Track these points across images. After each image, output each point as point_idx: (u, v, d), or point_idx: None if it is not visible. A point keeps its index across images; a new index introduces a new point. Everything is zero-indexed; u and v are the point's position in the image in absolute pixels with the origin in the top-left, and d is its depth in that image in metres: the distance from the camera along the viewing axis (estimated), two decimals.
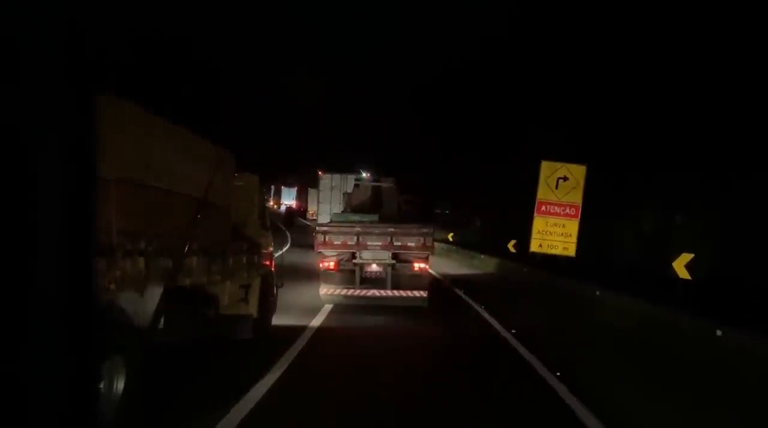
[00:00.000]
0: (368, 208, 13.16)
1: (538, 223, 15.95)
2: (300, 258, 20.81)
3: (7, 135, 1.00)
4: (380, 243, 11.60)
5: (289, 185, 59.09)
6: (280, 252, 20.37)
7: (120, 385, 4.53)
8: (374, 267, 11.81)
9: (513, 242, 20.27)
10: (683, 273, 11.19)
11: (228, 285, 7.00)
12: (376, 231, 11.72)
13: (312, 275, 14.97)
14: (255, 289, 7.75)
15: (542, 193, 15.85)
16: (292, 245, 27.23)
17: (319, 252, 11.84)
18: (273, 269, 9.14)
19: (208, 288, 6.38)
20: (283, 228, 34.01)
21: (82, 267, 1.08)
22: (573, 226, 15.81)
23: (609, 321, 10.74)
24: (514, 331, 10.04)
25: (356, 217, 12.39)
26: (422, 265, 11.80)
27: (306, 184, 51.60)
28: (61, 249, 1.05)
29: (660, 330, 9.17)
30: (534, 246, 16.10)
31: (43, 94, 1.04)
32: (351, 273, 11.71)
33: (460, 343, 9.61)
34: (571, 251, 15.81)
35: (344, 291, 11.66)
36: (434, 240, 12.37)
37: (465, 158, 34.82)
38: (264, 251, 8.65)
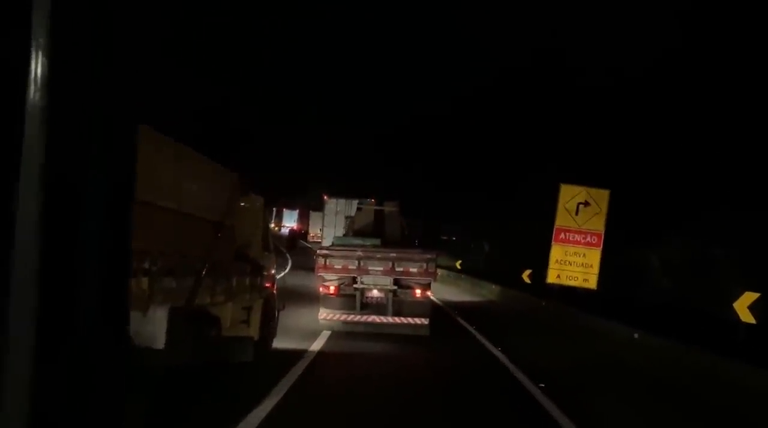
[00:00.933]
0: (371, 232, 13.09)
1: (556, 252, 14.73)
2: (300, 281, 20.74)
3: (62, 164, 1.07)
4: (382, 268, 11.42)
5: (291, 207, 59.08)
6: (282, 275, 20.32)
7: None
8: (375, 292, 11.61)
9: (528, 272, 18.56)
10: (746, 317, 9.58)
11: (230, 306, 6.98)
12: (378, 255, 11.60)
13: (312, 298, 14.90)
14: (257, 311, 7.72)
15: (561, 220, 14.61)
16: (292, 267, 27.15)
17: (320, 275, 11.72)
18: (275, 291, 9.11)
19: (211, 309, 6.35)
20: (284, 251, 33.98)
21: (120, 284, 1.18)
22: (595, 256, 14.53)
23: (656, 372, 9.19)
24: (542, 385, 8.32)
25: (358, 241, 12.34)
26: (425, 292, 11.66)
27: (307, 207, 51.58)
28: (102, 266, 1.13)
29: (734, 391, 7.41)
30: (551, 277, 14.84)
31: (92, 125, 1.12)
32: (351, 298, 11.51)
33: (471, 386, 8.57)
34: (592, 283, 14.57)
35: (344, 317, 11.48)
36: (440, 266, 12.41)
37: (474, 182, 34.59)
38: (266, 273, 8.63)
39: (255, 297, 7.79)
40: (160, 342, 5.03)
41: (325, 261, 11.49)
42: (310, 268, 21.72)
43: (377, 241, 12.41)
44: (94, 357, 1.11)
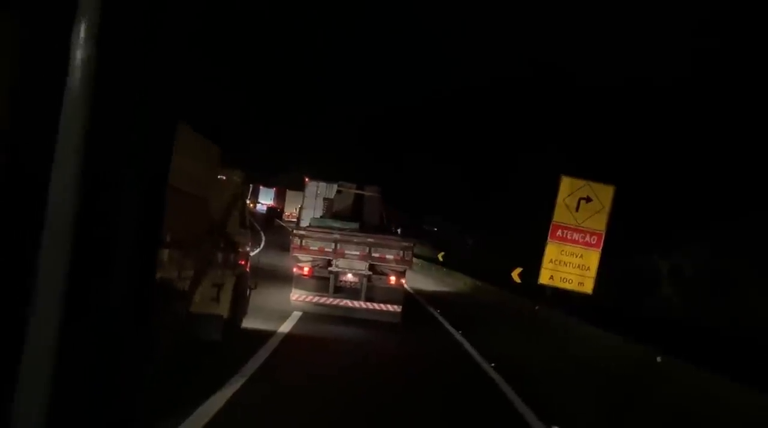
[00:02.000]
0: (349, 216, 12.83)
1: (551, 251, 13.41)
2: (274, 260, 20.44)
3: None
4: (358, 253, 11.36)
5: (268, 185, 58.53)
6: (255, 253, 19.98)
7: None
8: (350, 276, 11.50)
9: (518, 270, 16.63)
10: None
11: (200, 282, 6.68)
12: (355, 240, 11.48)
13: (285, 279, 14.65)
14: (228, 289, 7.43)
15: (559, 215, 13.31)
16: (266, 246, 26.81)
17: (295, 255, 11.55)
18: (248, 269, 8.82)
19: (178, 284, 6.05)
20: (258, 228, 33.54)
21: (150, 262, 1.26)
22: (593, 258, 13.23)
23: (683, 406, 6.95)
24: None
25: (336, 224, 12.10)
26: (399, 279, 11.57)
27: (284, 186, 51.10)
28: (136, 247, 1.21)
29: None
30: (544, 278, 13.50)
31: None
32: (325, 280, 11.39)
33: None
34: (588, 287, 13.28)
35: (316, 299, 11.35)
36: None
37: (460, 173, 33.81)
38: (241, 250, 8.34)
39: (227, 274, 7.50)
40: None
41: (301, 242, 11.35)
42: (284, 247, 21.48)
43: (355, 225, 12.20)
44: (119, 338, 1.17)
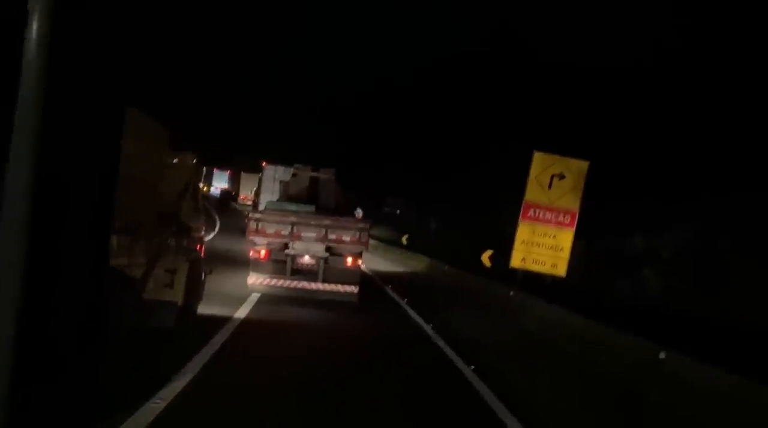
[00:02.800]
0: (305, 198, 12.76)
1: (523, 232, 12.72)
2: (229, 244, 20.18)
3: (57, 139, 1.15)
4: (314, 235, 11.39)
5: (222, 168, 57.51)
6: (209, 237, 19.70)
7: None
8: (306, 259, 11.53)
9: (488, 253, 15.59)
10: None
11: (153, 268, 6.51)
12: (312, 222, 11.51)
13: (240, 263, 14.48)
14: (182, 275, 7.25)
15: (531, 193, 12.64)
16: (221, 230, 26.42)
17: (251, 239, 11.49)
18: (203, 254, 8.64)
19: (129, 271, 5.87)
20: (212, 212, 32.88)
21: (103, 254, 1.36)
22: (566, 238, 12.64)
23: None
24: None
25: (292, 207, 12.03)
26: (356, 261, 11.67)
27: (239, 169, 50.31)
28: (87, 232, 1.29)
29: None
30: (515, 261, 12.85)
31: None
32: (282, 263, 11.42)
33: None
34: (561, 269, 12.72)
35: (273, 282, 11.37)
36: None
37: (423, 155, 33.02)
38: (194, 235, 8.15)
39: (180, 259, 7.32)
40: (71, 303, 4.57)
41: (257, 226, 11.30)
42: (239, 231, 21.19)
43: (311, 208, 12.15)
44: (74, 331, 1.27)
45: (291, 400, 5.80)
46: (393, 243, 28.60)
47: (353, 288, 11.61)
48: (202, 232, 8.93)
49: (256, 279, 11.40)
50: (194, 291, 7.90)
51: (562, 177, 12.57)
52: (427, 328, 10.54)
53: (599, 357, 8.42)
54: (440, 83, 30.89)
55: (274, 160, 21.77)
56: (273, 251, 11.43)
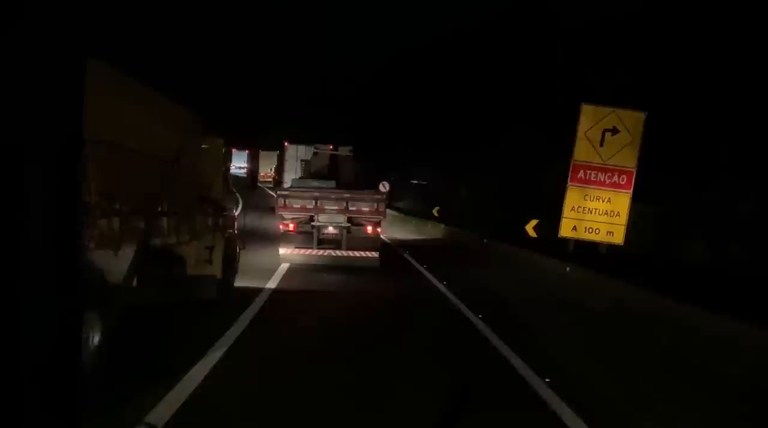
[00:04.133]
0: (326, 175, 13.76)
1: (573, 197, 11.40)
2: (252, 221, 20.80)
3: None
4: (336, 208, 12.38)
5: (239, 149, 58.10)
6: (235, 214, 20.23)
7: (96, 340, 4.67)
8: (330, 229, 12.58)
9: (534, 223, 14.16)
10: None
11: (194, 246, 7.13)
12: (333, 196, 12.49)
13: (265, 238, 15.19)
14: (219, 251, 7.89)
15: (580, 153, 11.24)
16: (244, 208, 27.02)
17: (280, 214, 12.52)
18: (236, 231, 9.26)
19: (176, 249, 6.50)
20: (234, 191, 33.43)
21: (69, 229, 1.09)
22: (623, 202, 11.29)
23: None
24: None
25: (315, 183, 13.10)
26: (375, 229, 12.72)
27: (257, 148, 50.77)
28: (50, 208, 1.05)
29: None
30: (565, 230, 11.52)
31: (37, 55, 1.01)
32: (309, 234, 12.48)
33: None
34: (619, 237, 11.36)
35: (302, 252, 12.45)
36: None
37: (449, 118, 31.13)
38: (228, 213, 8.76)
39: (217, 237, 7.94)
40: (132, 281, 5.19)
41: (285, 202, 12.38)
42: (261, 208, 21.80)
43: (332, 183, 13.13)
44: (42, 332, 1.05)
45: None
46: (423, 215, 27.29)
47: (375, 254, 12.60)
48: (234, 211, 9.53)
49: (286, 250, 12.46)
50: (230, 265, 8.54)
51: (615, 131, 11.14)
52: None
53: None
54: (461, 53, 30.30)
55: (294, 139, 22.31)
56: (300, 224, 12.49)
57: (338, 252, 12.50)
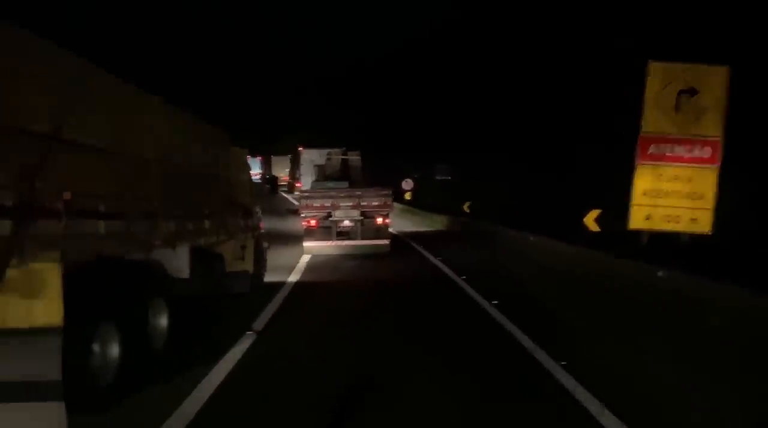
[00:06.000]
0: (339, 177, 16.14)
1: (644, 178, 9.49)
2: (269, 223, 21.93)
3: None
4: (350, 204, 14.59)
5: (253, 156, 59.59)
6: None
7: (163, 322, 5.75)
8: (346, 222, 14.68)
9: (595, 214, 11.73)
10: None
11: (231, 245, 8.20)
12: (347, 194, 14.75)
13: (283, 238, 16.44)
14: (250, 249, 8.98)
15: (651, 122, 9.35)
16: (265, 211, 28.16)
17: (302, 213, 14.68)
18: (262, 231, 10.34)
19: (217, 248, 7.57)
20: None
21: None
22: (708, 179, 9.34)
23: None
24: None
25: (330, 184, 15.42)
26: (384, 220, 14.80)
27: (268, 154, 52.02)
28: None
29: None
30: (637, 220, 9.62)
31: None
32: (328, 228, 14.60)
33: None
34: (705, 224, 9.38)
35: (324, 243, 14.59)
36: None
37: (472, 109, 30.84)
38: (255, 215, 9.84)
39: (248, 236, 9.03)
40: (185, 273, 6.26)
41: (306, 202, 14.65)
42: (275, 212, 23.00)
43: (345, 184, 15.53)
44: None
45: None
46: (451, 212, 25.21)
47: (385, 241, 14.82)
48: (260, 213, 10.60)
49: (310, 243, 14.60)
50: (260, 261, 9.63)
51: (693, 92, 9.23)
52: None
53: None
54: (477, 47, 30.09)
55: (309, 145, 23.55)
56: (320, 220, 14.54)
57: (354, 242, 14.60)
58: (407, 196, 31.86)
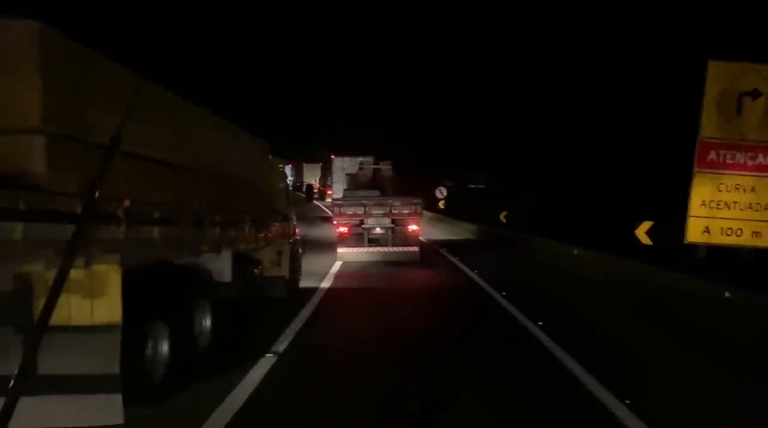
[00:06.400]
0: (371, 186, 16.72)
1: (702, 187, 8.91)
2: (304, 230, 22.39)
3: None
4: (382, 212, 15.11)
5: (285, 163, 60.51)
6: None
7: (208, 323, 6.06)
8: (378, 230, 15.21)
9: (647, 226, 11.10)
10: None
11: (268, 251, 8.51)
12: (378, 203, 15.26)
13: (314, 246, 16.83)
14: (286, 255, 9.30)
15: (710, 127, 8.79)
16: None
17: (336, 220, 15.29)
18: (298, 238, 10.66)
19: (256, 253, 7.88)
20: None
21: None
22: None
23: None
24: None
25: (362, 193, 15.90)
26: (414, 228, 15.30)
27: (299, 161, 52.76)
28: None
29: None
30: (694, 233, 8.99)
31: None
32: (360, 235, 15.16)
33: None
34: None
35: (356, 249, 15.12)
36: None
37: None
38: (291, 222, 10.16)
39: (284, 243, 9.34)
40: (228, 277, 6.56)
41: (339, 209, 15.25)
42: (305, 219, 23.44)
43: (376, 192, 15.98)
44: None
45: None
46: (486, 221, 24.61)
47: (415, 248, 15.27)
48: (295, 221, 10.92)
49: (343, 249, 15.12)
50: (296, 267, 9.93)
51: (757, 94, 8.63)
52: None
53: None
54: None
55: (340, 153, 24.08)
56: (353, 227, 15.09)
57: (385, 249, 15.11)
58: (441, 205, 31.42)
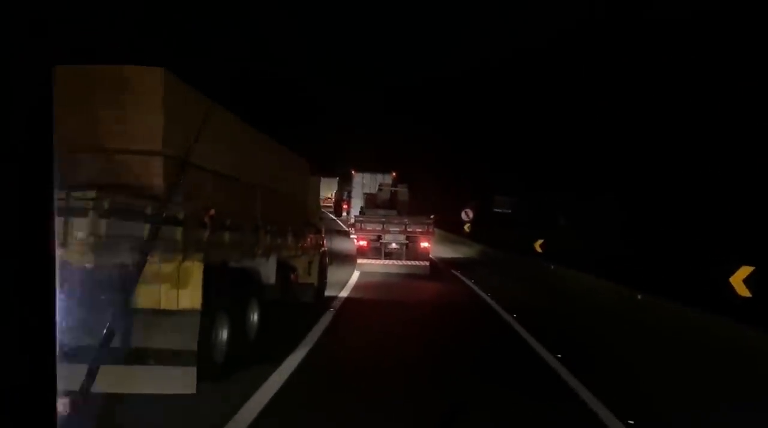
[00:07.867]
0: (388, 205, 18.67)
1: None
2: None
3: None
4: (398, 229, 16.88)
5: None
6: None
7: (255, 317, 7.00)
8: (394, 245, 16.94)
9: (746, 272, 8.69)
10: None
11: (302, 260, 9.47)
12: (395, 220, 17.12)
13: (336, 258, 17.83)
14: (315, 264, 10.25)
15: None
16: None
17: (355, 235, 17.34)
18: (326, 249, 11.62)
19: (292, 261, 8.85)
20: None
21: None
22: None
23: None
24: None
25: (381, 212, 17.68)
26: (425, 244, 16.96)
27: (318, 174, 53.39)
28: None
29: None
30: None
31: None
32: (378, 249, 16.90)
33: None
34: None
35: (373, 262, 16.82)
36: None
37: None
38: (321, 234, 11.13)
39: (315, 253, 10.30)
40: (272, 280, 7.52)
41: (361, 225, 17.08)
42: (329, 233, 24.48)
43: (394, 212, 17.99)
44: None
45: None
46: (518, 251, 20.37)
47: (426, 263, 16.91)
48: (324, 233, 11.89)
49: (362, 261, 16.80)
50: (323, 276, 10.88)
51: None
52: None
53: None
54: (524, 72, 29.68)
55: (361, 169, 25.12)
56: (371, 241, 16.84)
57: (399, 262, 16.78)
58: (466, 229, 28.10)
